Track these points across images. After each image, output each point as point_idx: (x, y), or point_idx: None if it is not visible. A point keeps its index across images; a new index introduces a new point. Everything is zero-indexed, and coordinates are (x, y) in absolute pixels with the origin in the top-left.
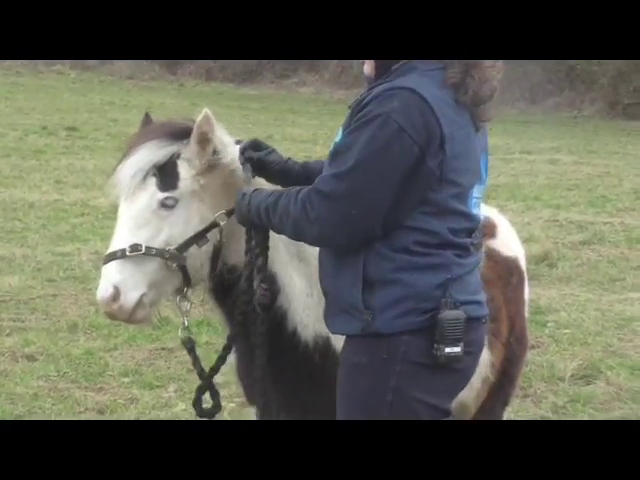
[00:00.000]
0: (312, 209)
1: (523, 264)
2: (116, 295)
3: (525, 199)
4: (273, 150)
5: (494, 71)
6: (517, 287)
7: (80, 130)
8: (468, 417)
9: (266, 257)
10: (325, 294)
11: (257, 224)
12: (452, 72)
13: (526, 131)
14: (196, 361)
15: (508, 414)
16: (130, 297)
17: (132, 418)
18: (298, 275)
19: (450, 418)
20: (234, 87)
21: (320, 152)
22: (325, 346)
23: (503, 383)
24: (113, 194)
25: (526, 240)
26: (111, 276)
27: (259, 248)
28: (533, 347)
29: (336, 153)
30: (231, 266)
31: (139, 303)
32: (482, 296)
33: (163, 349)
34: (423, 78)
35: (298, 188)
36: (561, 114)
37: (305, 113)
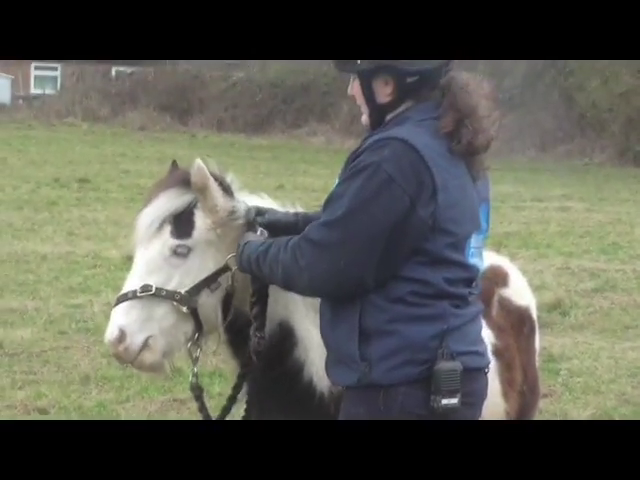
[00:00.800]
0: (302, 257)
1: (534, 313)
2: (122, 337)
3: (537, 247)
4: (273, 210)
5: (489, 121)
6: (529, 336)
7: (92, 182)
8: None
9: (262, 305)
10: (325, 345)
11: (251, 274)
12: (445, 121)
13: (537, 179)
14: (203, 407)
15: None
16: (136, 339)
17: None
18: (315, 327)
19: None
20: (245, 137)
21: None
22: (340, 397)
23: None
24: (131, 242)
25: (538, 288)
26: (118, 318)
27: (256, 296)
28: (546, 395)
29: (328, 202)
30: (245, 314)
31: (145, 346)
32: (482, 346)
33: (175, 400)
34: (416, 128)
35: (289, 237)
36: (572, 162)
37: (316, 162)
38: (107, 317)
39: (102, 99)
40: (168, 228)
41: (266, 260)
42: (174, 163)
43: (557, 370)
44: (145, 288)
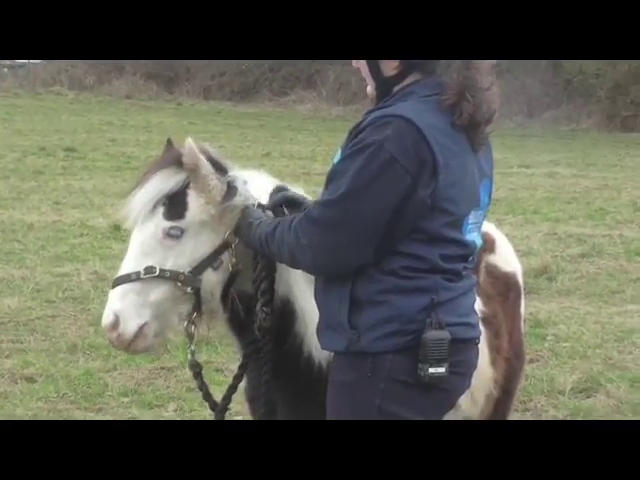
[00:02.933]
0: (303, 236)
1: (521, 279)
2: (116, 323)
3: (524, 213)
4: (304, 199)
5: (491, 95)
6: (515, 302)
7: (78, 151)
8: None
9: (271, 281)
10: (318, 308)
11: (262, 253)
12: (447, 94)
13: (524, 145)
14: (202, 385)
15: None
16: (130, 327)
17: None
18: (313, 300)
19: None
20: (232, 105)
21: (319, 169)
22: None
23: (503, 398)
24: (127, 221)
25: (525, 254)
26: (113, 303)
27: (264, 272)
28: (533, 361)
29: (330, 179)
30: (246, 293)
31: (139, 333)
32: (475, 318)
33: (162, 369)
34: (420, 105)
35: (293, 216)
36: (559, 127)
37: (303, 130)
38: (94, 286)
39: (88, 67)
40: (161, 209)
41: (274, 240)
42: (169, 142)
43: (544, 335)
44: (149, 270)
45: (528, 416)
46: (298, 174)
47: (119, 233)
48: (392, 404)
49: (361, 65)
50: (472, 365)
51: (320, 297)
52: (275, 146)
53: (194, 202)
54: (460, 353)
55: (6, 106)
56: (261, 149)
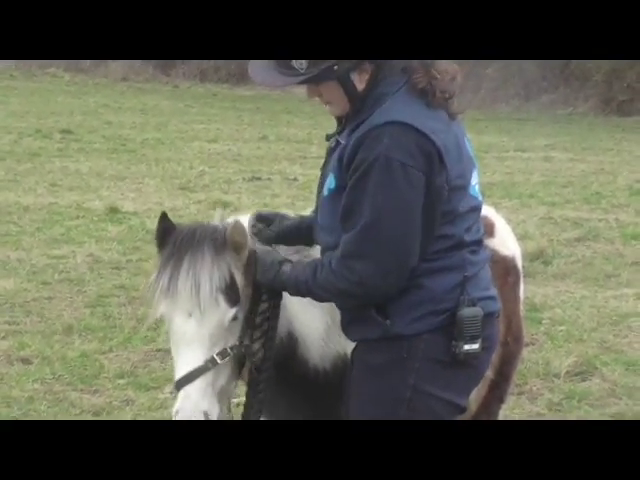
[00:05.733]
0: (352, 274)
1: (519, 263)
2: None
3: (520, 197)
4: (279, 218)
5: (450, 69)
6: (514, 286)
7: (74, 133)
8: (470, 415)
9: (275, 322)
10: (338, 307)
11: (292, 294)
12: (416, 77)
13: (520, 129)
14: None
15: (504, 411)
16: (215, 419)
17: (128, 420)
18: (313, 316)
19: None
20: (228, 88)
21: (315, 152)
22: (345, 362)
23: (499, 381)
24: (163, 306)
25: (521, 237)
26: (198, 402)
27: (270, 312)
28: (528, 344)
29: (348, 212)
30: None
31: None
32: (494, 291)
33: (158, 351)
34: (398, 104)
35: (329, 257)
36: (555, 111)
37: (300, 113)
38: (90, 268)
39: None
40: (222, 297)
41: (316, 285)
42: (165, 217)
43: (539, 319)
44: (224, 353)
45: (523, 399)
46: (294, 157)
47: (115, 215)
48: (426, 383)
49: (328, 89)
50: (496, 339)
51: (347, 304)
52: (272, 129)
53: (240, 283)
54: (487, 327)
55: (2, 88)
56: (257, 132)
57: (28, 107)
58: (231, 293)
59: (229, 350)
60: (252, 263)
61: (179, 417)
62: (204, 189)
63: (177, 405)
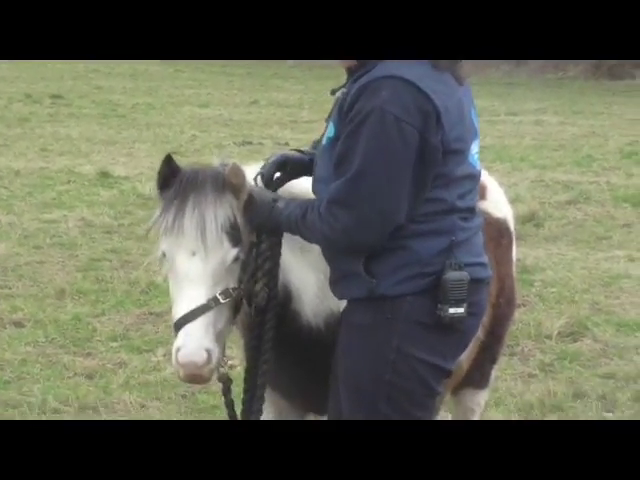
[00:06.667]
0: (336, 221)
1: (512, 225)
2: (209, 360)
3: (511, 160)
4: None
5: None
6: (507, 248)
7: (65, 98)
8: (461, 375)
9: (276, 261)
10: (328, 261)
11: (284, 231)
12: None
13: (511, 93)
14: (229, 403)
15: (496, 372)
16: (215, 360)
17: (121, 382)
18: (307, 271)
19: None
20: None
21: (306, 117)
22: (337, 322)
23: (491, 342)
24: (165, 245)
25: (513, 200)
26: (201, 340)
27: (270, 251)
28: (520, 306)
29: (340, 159)
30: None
31: (218, 364)
32: (485, 258)
33: (151, 314)
34: (401, 61)
35: (318, 202)
36: (546, 75)
37: (290, 78)
38: (81, 232)
39: None
40: (225, 237)
41: (305, 225)
42: (170, 159)
43: (531, 281)
44: (226, 293)
45: (515, 360)
46: (285, 122)
47: (106, 180)
48: (410, 345)
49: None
50: (484, 306)
51: (330, 250)
52: (262, 94)
53: (241, 221)
54: (475, 294)
55: None
56: (248, 97)
57: (18, 72)
58: (234, 233)
59: (231, 291)
60: (251, 204)
61: (181, 354)
62: (195, 153)
63: (178, 342)
